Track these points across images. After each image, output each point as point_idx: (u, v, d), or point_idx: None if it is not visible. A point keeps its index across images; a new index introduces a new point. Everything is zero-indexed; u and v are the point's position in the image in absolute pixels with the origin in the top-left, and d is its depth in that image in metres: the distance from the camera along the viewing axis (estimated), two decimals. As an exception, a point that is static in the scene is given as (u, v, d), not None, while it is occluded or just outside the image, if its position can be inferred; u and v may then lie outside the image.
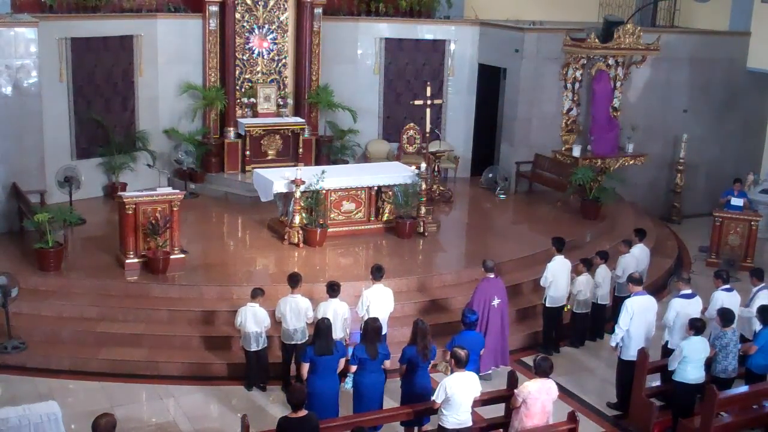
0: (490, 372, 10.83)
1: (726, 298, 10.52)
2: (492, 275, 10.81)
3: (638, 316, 10.09)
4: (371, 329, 8.96)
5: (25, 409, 8.28)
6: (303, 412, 7.60)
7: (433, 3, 17.90)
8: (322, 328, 8.91)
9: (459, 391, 8.27)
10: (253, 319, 10.10)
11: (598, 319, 12.11)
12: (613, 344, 10.27)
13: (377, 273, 10.38)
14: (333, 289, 10.07)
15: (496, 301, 10.70)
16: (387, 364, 9.15)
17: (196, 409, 9.91)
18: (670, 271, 14.64)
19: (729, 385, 9.77)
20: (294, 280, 10.20)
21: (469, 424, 8.47)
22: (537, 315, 12.18)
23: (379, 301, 10.27)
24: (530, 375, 10.22)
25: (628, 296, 10.48)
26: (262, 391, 10.32)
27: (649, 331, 10.23)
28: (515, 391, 8.68)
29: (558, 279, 11.50)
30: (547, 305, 11.64)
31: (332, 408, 8.94)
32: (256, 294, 10.21)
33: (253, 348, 10.19)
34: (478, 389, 8.51)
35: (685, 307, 10.20)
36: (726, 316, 9.72)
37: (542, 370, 8.50)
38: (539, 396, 8.44)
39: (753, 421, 9.70)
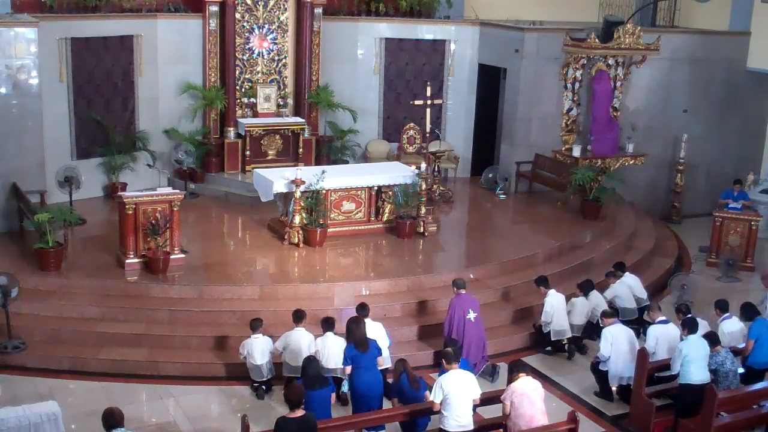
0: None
1: (662, 330, 10.41)
2: (463, 291, 10.90)
3: (617, 344, 10.31)
4: (353, 327, 9.30)
5: (25, 409, 8.29)
6: (300, 412, 7.60)
7: (433, 3, 17.89)
8: (307, 366, 8.96)
9: (455, 389, 8.29)
10: (259, 351, 10.11)
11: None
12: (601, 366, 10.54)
13: (362, 311, 10.25)
14: (328, 324, 10.04)
15: (471, 315, 10.74)
16: (380, 360, 9.37)
17: (196, 409, 9.92)
18: (670, 271, 14.63)
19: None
20: (298, 316, 10.19)
21: (471, 427, 8.45)
22: (536, 315, 12.17)
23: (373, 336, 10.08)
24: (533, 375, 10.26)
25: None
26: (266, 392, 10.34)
27: (626, 360, 10.33)
28: (501, 397, 8.66)
29: (558, 312, 11.50)
30: (552, 339, 11.61)
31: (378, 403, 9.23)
32: (257, 326, 10.22)
33: (266, 378, 10.20)
34: (477, 390, 8.51)
35: (663, 333, 10.32)
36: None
37: (519, 371, 8.58)
38: (524, 392, 8.44)
39: (753, 421, 9.69)
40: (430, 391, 8.79)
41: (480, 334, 10.87)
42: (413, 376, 9.24)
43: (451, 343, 9.65)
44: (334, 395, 9.21)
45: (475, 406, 8.62)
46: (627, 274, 12.52)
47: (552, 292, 11.59)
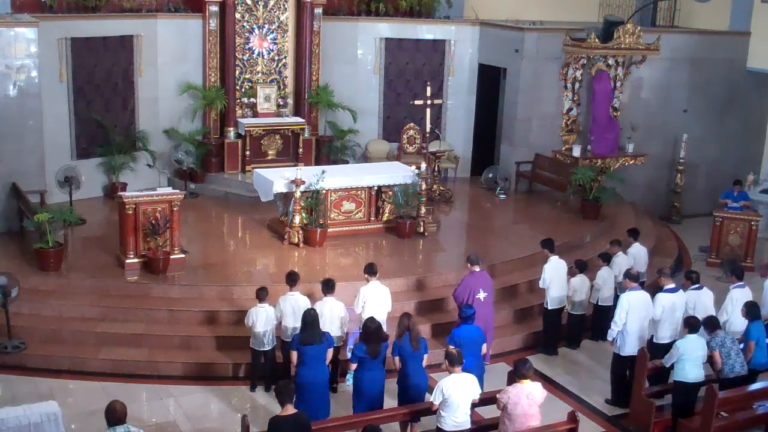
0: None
1: (669, 299, 10.41)
2: (477, 268, 10.80)
3: (634, 311, 10.19)
4: (371, 330, 9.01)
5: (25, 409, 8.29)
6: (292, 410, 7.59)
7: (433, 3, 17.90)
8: (308, 318, 9.07)
9: (456, 393, 8.26)
10: (264, 319, 10.12)
11: (602, 321, 12.02)
12: (610, 339, 10.47)
13: (370, 270, 10.39)
14: (328, 286, 10.08)
15: (482, 294, 10.66)
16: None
17: (196, 409, 9.92)
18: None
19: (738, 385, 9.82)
20: (292, 279, 10.23)
21: (468, 426, 8.44)
22: (535, 315, 12.19)
23: (376, 299, 10.27)
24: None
25: None
26: (266, 391, 10.30)
27: (643, 327, 10.31)
28: (497, 395, 8.54)
29: (555, 279, 11.50)
30: (549, 308, 11.62)
31: (321, 399, 9.02)
32: (264, 295, 10.22)
33: (266, 348, 10.20)
34: (477, 391, 8.48)
35: (670, 301, 10.34)
36: (691, 322, 9.72)
37: (520, 374, 8.35)
38: (518, 400, 8.27)
39: (753, 421, 9.69)
40: (441, 353, 8.88)
41: (488, 315, 10.81)
42: (415, 334, 9.07)
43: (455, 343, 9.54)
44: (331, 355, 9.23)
45: (474, 405, 8.60)
46: (636, 244, 12.57)
47: (554, 258, 11.59)
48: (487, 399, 8.97)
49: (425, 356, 9.15)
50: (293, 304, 10.09)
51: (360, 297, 10.27)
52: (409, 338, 9.06)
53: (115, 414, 7.11)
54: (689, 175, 18.29)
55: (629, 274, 10.57)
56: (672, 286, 10.51)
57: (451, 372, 8.34)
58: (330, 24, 16.82)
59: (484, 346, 9.86)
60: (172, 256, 12.04)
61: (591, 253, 13.87)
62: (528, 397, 8.32)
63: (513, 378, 8.56)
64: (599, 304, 11.98)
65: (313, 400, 8.87)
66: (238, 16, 16.16)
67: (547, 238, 12.07)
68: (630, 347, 10.22)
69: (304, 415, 7.70)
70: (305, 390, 8.86)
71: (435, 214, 14.74)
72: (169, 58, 15.99)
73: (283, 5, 16.52)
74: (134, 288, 11.73)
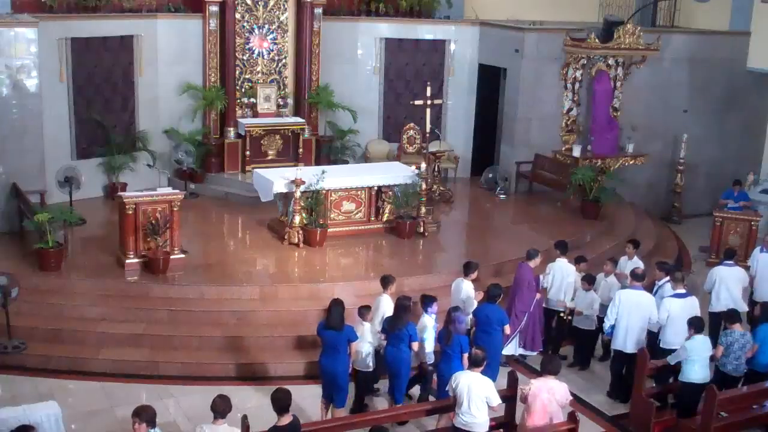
0: (517, 354, 11.25)
1: (676, 304, 10.37)
2: (532, 264, 11.28)
3: (627, 308, 10.28)
4: (398, 305, 9.54)
5: (25, 409, 8.29)
6: (288, 418, 7.58)
7: (433, 3, 17.89)
8: (332, 305, 9.35)
9: (464, 388, 8.32)
10: (369, 336, 9.96)
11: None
12: (605, 333, 10.73)
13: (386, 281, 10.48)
14: (385, 282, 10.36)
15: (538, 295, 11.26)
16: (414, 345, 9.52)
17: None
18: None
19: (737, 383, 9.85)
20: (386, 281, 10.40)
21: (479, 430, 8.40)
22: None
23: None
24: (530, 375, 10.28)
25: None
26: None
27: (638, 327, 10.33)
28: (520, 386, 8.78)
29: (557, 282, 11.49)
30: (545, 307, 11.62)
31: (339, 388, 9.29)
32: (390, 281, 10.40)
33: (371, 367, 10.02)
34: (491, 395, 8.39)
35: (678, 306, 10.24)
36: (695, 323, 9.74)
37: (545, 369, 8.63)
38: (538, 393, 8.46)
39: (753, 421, 9.70)
40: (462, 349, 9.15)
41: (540, 310, 11.32)
42: (449, 330, 9.25)
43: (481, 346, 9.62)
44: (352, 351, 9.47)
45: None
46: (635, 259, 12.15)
47: (560, 260, 11.59)
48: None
49: (465, 355, 9.22)
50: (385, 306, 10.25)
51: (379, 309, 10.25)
52: (445, 331, 9.34)
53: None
54: (689, 175, 18.29)
55: (634, 273, 10.66)
56: (682, 291, 10.43)
57: (467, 369, 8.52)
58: (330, 24, 16.82)
59: (507, 327, 10.26)
60: (172, 256, 12.05)
61: (591, 253, 13.87)
62: (549, 392, 8.50)
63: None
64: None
65: (327, 386, 9.35)
66: (238, 16, 16.16)
67: (561, 240, 12.04)
68: (620, 342, 10.36)
69: (298, 423, 7.68)
70: (324, 376, 9.36)
71: (435, 215, 14.75)
72: (169, 58, 15.99)
73: (283, 5, 16.52)
74: (134, 288, 11.73)
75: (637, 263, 11.83)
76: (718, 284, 11.77)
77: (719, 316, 11.27)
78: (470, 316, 10.27)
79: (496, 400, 8.40)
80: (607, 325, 10.48)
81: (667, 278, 10.88)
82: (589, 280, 11.40)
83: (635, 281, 10.54)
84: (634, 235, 15.52)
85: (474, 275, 10.90)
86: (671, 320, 10.21)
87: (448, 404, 8.69)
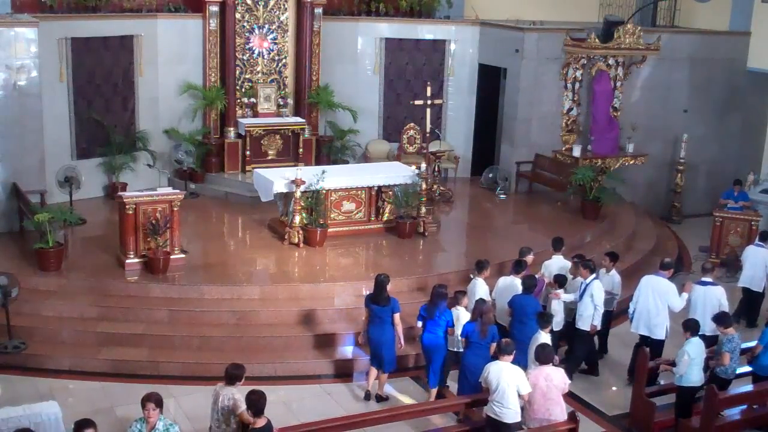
0: None
1: (699, 291, 10.81)
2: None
3: (645, 293, 10.62)
4: (435, 293, 9.98)
5: (25, 409, 8.29)
6: (263, 421, 7.62)
7: (433, 3, 17.89)
8: (377, 281, 10.03)
9: (495, 377, 8.47)
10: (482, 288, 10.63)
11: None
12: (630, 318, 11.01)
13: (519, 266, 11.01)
14: (479, 267, 10.89)
15: None
16: (451, 332, 10.04)
17: (196, 409, 9.90)
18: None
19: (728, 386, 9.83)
20: (480, 266, 10.92)
21: (511, 419, 8.48)
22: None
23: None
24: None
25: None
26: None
27: (652, 312, 10.57)
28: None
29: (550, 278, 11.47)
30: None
31: (387, 353, 10.04)
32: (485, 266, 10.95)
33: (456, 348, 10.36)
34: (521, 383, 8.50)
35: (698, 294, 10.62)
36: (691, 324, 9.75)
37: (539, 359, 8.76)
38: (537, 381, 8.58)
39: (753, 421, 9.70)
40: (493, 338, 9.45)
41: None
42: (485, 325, 9.48)
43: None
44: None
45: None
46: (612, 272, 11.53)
47: (555, 256, 11.72)
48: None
49: (492, 345, 9.42)
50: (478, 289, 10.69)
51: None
52: (480, 324, 9.48)
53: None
54: (689, 175, 18.29)
55: (662, 263, 11.00)
56: (708, 279, 10.79)
57: (499, 359, 8.66)
58: (330, 24, 16.82)
59: None
60: (172, 256, 12.05)
61: (591, 253, 13.86)
62: (546, 379, 8.58)
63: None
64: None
65: (378, 354, 10.09)
66: (238, 16, 16.16)
67: (558, 237, 12.09)
68: (637, 325, 10.75)
69: (270, 425, 7.69)
70: (371, 344, 10.12)
71: (435, 214, 14.75)
72: (169, 58, 15.99)
73: (283, 5, 16.52)
74: (134, 288, 11.73)
75: (614, 276, 11.39)
76: (743, 261, 12.77)
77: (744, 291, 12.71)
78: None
79: (526, 389, 8.53)
80: (631, 309, 10.82)
81: (594, 276, 10.79)
82: (586, 266, 10.92)
83: (660, 270, 10.85)
84: (634, 235, 15.58)
85: (486, 273, 11.05)
86: (692, 306, 10.57)
87: (478, 398, 8.98)
